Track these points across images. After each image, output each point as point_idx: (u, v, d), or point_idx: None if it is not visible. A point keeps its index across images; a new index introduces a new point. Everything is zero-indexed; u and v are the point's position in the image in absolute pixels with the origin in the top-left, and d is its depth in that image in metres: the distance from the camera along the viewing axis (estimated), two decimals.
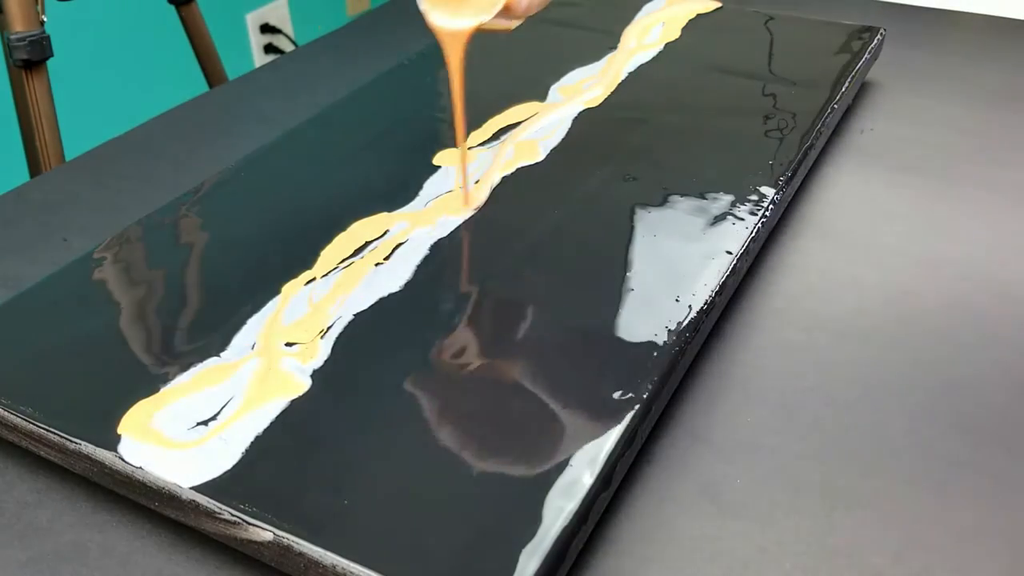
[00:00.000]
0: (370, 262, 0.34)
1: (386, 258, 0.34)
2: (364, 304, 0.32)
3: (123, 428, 0.27)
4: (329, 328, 0.31)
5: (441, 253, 0.35)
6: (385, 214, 0.37)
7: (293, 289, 0.33)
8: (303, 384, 0.29)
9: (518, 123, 0.44)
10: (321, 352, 0.30)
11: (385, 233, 0.36)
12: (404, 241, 0.35)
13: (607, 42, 0.52)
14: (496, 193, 0.38)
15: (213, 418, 0.28)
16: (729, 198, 0.38)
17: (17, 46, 0.69)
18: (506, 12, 0.34)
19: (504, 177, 0.39)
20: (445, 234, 0.36)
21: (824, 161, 0.45)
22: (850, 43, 0.50)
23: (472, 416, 0.28)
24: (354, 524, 0.24)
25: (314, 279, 0.34)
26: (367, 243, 0.35)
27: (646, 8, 0.56)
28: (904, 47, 0.57)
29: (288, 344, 0.31)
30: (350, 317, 0.32)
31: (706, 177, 0.39)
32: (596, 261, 0.34)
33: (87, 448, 0.27)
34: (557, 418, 0.28)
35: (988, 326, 0.34)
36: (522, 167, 0.40)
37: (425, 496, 0.25)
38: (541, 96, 0.46)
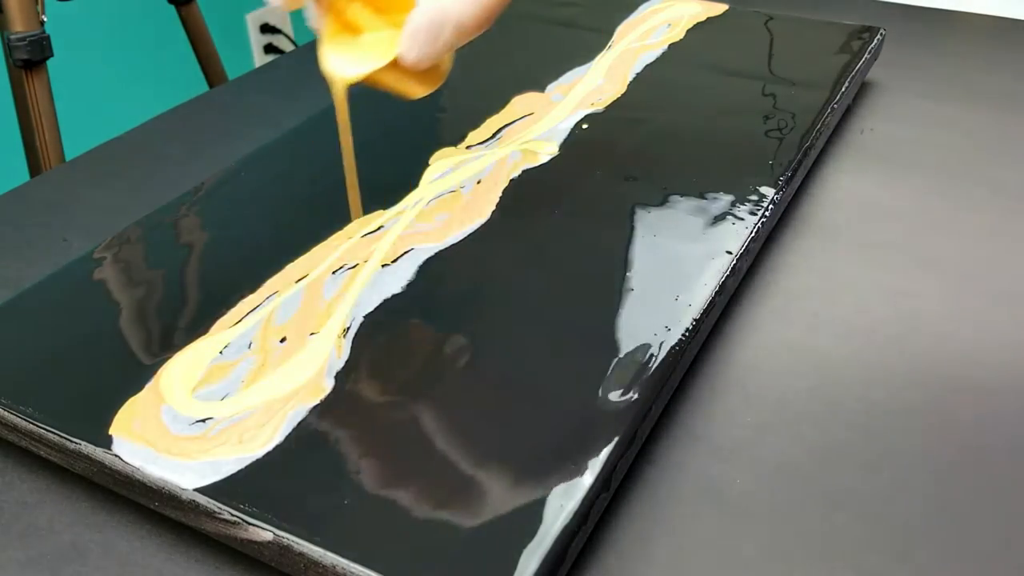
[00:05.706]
0: (376, 264, 0.34)
1: (394, 260, 0.34)
2: (370, 305, 0.32)
3: (122, 428, 0.27)
4: (347, 329, 0.31)
5: (444, 254, 0.35)
6: (382, 212, 0.37)
7: (289, 288, 0.33)
8: (325, 386, 0.29)
9: (514, 120, 0.44)
10: (344, 352, 0.30)
11: (380, 228, 0.36)
12: (410, 249, 0.35)
13: (603, 41, 0.52)
14: (500, 195, 0.38)
15: (212, 417, 0.28)
16: (729, 198, 0.37)
17: (17, 46, 0.69)
18: (394, 69, 0.31)
19: (511, 179, 0.39)
20: (448, 236, 0.36)
21: (824, 161, 0.45)
22: (850, 43, 0.50)
23: (472, 416, 0.28)
24: (354, 524, 0.24)
25: (306, 276, 0.34)
26: (364, 235, 0.36)
27: (642, 8, 0.56)
28: (904, 47, 0.57)
29: (281, 340, 0.31)
30: (358, 318, 0.32)
31: (706, 177, 0.39)
32: (596, 261, 0.34)
33: (86, 448, 0.27)
34: (557, 418, 0.28)
35: (988, 326, 0.34)
36: (527, 169, 0.40)
37: (425, 496, 0.25)
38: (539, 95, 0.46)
